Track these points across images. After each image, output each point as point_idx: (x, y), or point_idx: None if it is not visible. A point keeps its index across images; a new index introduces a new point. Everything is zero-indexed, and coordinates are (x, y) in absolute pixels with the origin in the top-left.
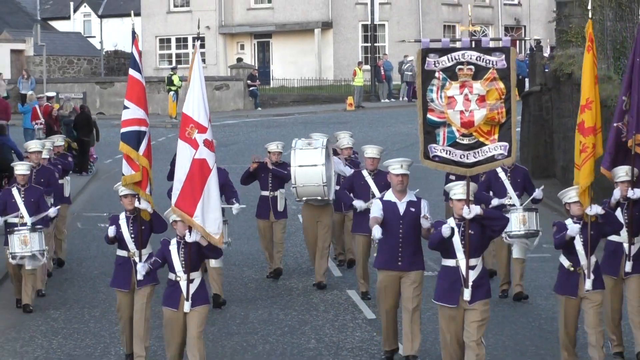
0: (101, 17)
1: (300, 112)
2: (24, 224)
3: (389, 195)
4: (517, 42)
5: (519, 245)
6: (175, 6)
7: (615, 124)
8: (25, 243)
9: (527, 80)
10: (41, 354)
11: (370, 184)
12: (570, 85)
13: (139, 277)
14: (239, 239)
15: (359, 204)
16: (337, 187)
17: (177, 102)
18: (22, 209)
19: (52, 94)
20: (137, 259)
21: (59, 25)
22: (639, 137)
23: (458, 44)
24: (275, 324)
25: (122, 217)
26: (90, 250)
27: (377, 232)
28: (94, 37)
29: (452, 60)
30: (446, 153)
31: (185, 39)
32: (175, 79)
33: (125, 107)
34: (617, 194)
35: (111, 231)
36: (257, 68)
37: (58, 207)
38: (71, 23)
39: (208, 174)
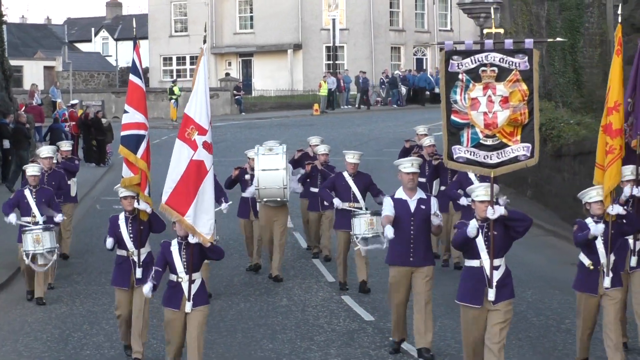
0: (116, 40)
1: (276, 117)
2: (37, 223)
3: (400, 193)
4: None
5: None
6: (176, 31)
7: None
8: (38, 242)
9: None
10: (66, 310)
11: (351, 185)
12: None
13: (147, 294)
14: (227, 217)
15: (337, 202)
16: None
17: (177, 108)
18: (34, 209)
19: (75, 101)
20: (135, 258)
21: (83, 47)
22: None
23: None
24: (254, 286)
25: (121, 217)
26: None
27: (389, 231)
28: (111, 56)
29: (476, 62)
30: (470, 154)
31: (184, 58)
32: (176, 89)
33: (125, 112)
34: (627, 191)
35: (109, 243)
36: (241, 81)
37: (64, 217)
38: (92, 45)
39: (204, 175)
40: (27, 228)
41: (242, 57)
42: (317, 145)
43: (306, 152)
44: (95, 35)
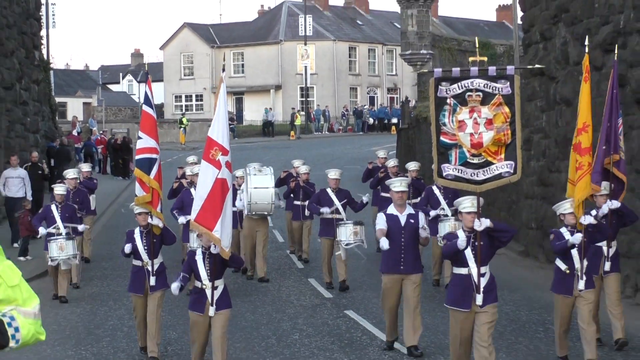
0: (139, 82)
1: (261, 141)
2: (60, 234)
3: (391, 209)
4: (394, 97)
5: None
6: (184, 75)
7: (604, 147)
8: (62, 249)
9: (400, 121)
10: (96, 290)
11: (333, 199)
12: (426, 124)
13: (174, 291)
14: None
15: (325, 209)
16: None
17: (185, 135)
18: (59, 222)
19: (105, 129)
20: (149, 268)
21: (113, 87)
22: (616, 156)
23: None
24: (239, 274)
25: (137, 231)
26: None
27: (384, 243)
28: (134, 94)
29: (462, 88)
30: (458, 172)
31: (191, 96)
32: (184, 120)
33: (140, 138)
34: (604, 209)
35: (127, 249)
36: (234, 113)
37: (87, 226)
38: (120, 86)
39: (227, 192)
40: (52, 237)
41: (235, 95)
42: (299, 166)
43: (290, 172)
44: (123, 78)
